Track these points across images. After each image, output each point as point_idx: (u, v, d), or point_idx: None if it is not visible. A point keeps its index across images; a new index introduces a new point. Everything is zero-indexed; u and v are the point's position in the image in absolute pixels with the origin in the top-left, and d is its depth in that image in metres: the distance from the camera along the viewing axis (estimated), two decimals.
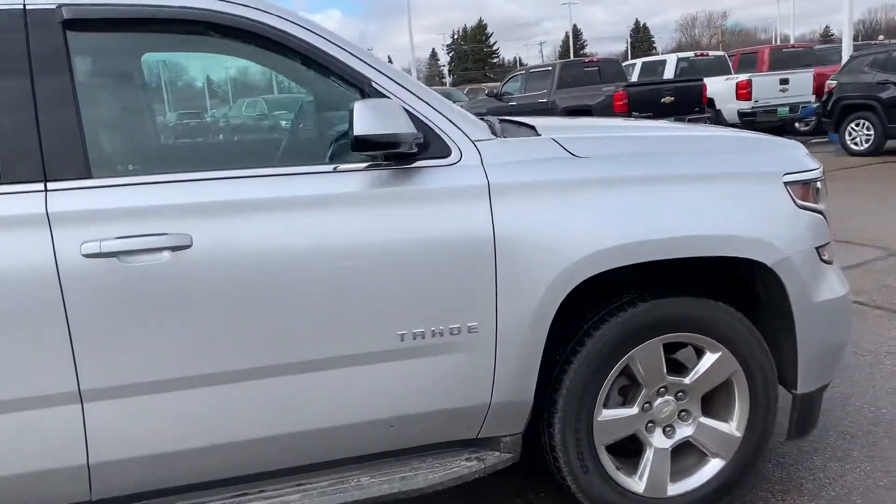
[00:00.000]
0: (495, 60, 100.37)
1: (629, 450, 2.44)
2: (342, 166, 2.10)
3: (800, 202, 2.40)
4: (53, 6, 1.97)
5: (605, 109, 12.39)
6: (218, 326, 1.98)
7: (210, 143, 2.13)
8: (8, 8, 1.95)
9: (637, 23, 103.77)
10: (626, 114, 12.23)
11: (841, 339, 2.53)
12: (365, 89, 2.13)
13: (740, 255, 2.29)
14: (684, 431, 2.44)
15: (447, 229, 2.10)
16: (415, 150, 2.10)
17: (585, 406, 2.29)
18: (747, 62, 16.24)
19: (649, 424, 2.41)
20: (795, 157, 2.49)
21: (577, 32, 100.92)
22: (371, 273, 2.06)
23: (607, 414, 2.34)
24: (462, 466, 2.28)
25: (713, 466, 2.47)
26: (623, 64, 16.50)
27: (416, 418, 2.20)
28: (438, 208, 2.11)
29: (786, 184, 2.38)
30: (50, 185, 1.90)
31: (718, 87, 14.13)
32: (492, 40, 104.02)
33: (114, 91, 2.39)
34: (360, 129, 1.92)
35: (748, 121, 13.75)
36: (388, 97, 2.12)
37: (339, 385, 2.11)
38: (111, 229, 1.90)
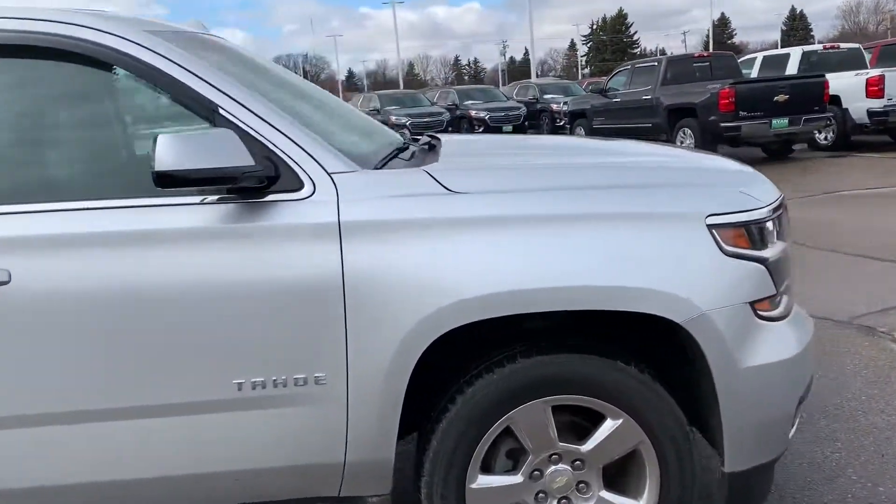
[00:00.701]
0: (635, 51, 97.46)
1: None
2: (183, 199, 1.96)
3: (729, 248, 2.03)
4: None
5: (710, 108, 11.61)
6: (36, 368, 1.90)
7: (37, 173, 2.03)
8: None
9: (793, 10, 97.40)
10: (734, 114, 11.40)
11: (782, 412, 2.13)
12: (211, 116, 1.98)
13: (641, 311, 1.97)
14: None
15: (291, 271, 1.92)
16: (263, 183, 1.93)
17: (455, 471, 2.05)
18: (889, 55, 14.71)
19: (540, 495, 2.13)
20: (731, 193, 2.12)
21: (725, 21, 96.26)
22: (205, 316, 1.92)
23: (484, 481, 2.08)
24: None
25: None
26: (741, 59, 15.43)
27: (263, 473, 2.04)
28: (283, 247, 1.93)
29: (710, 226, 2.03)
30: None
31: (846, 84, 12.85)
32: (632, 30, 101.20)
33: None
34: (163, 164, 1.77)
35: (879, 121, 12.48)
36: (237, 125, 1.96)
37: (173, 434, 1.98)
38: None
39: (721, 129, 11.54)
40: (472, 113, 21.33)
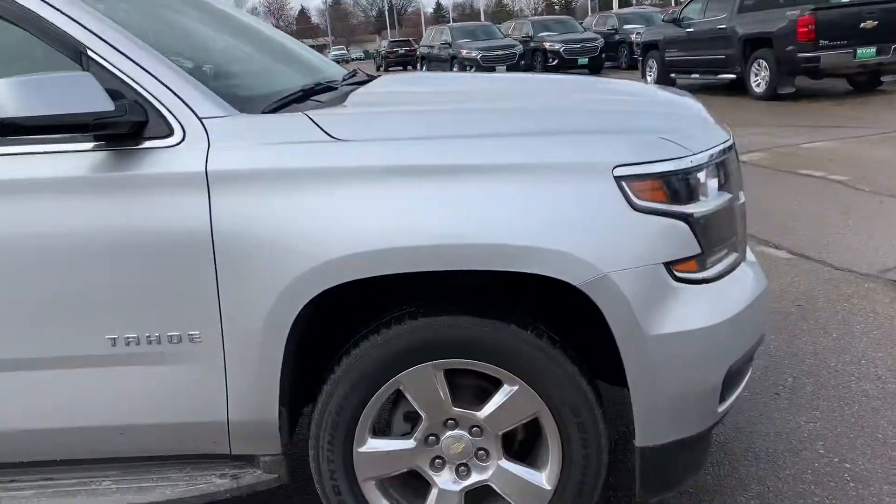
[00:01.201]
0: None
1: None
2: (56, 147, 1.87)
3: (641, 203, 1.81)
4: None
5: (787, 38, 10.77)
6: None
7: None
8: None
9: None
10: (813, 43, 10.54)
11: (705, 384, 1.92)
12: (79, 59, 1.87)
13: (530, 272, 1.79)
14: (481, 474, 2.02)
15: (159, 223, 1.83)
16: (131, 129, 1.83)
17: (340, 433, 1.95)
18: None
19: (437, 461, 2.01)
20: (649, 140, 1.88)
21: None
22: (76, 269, 1.85)
23: (373, 444, 1.98)
24: (210, 483, 2.04)
25: None
26: None
27: (147, 429, 1.99)
28: (151, 197, 1.83)
29: (618, 178, 1.81)
30: None
31: None
32: None
33: None
34: (4, 110, 1.68)
35: None
36: (106, 67, 1.85)
37: (54, 387, 1.95)
38: None
39: (798, 60, 10.72)
40: (547, 45, 20.66)
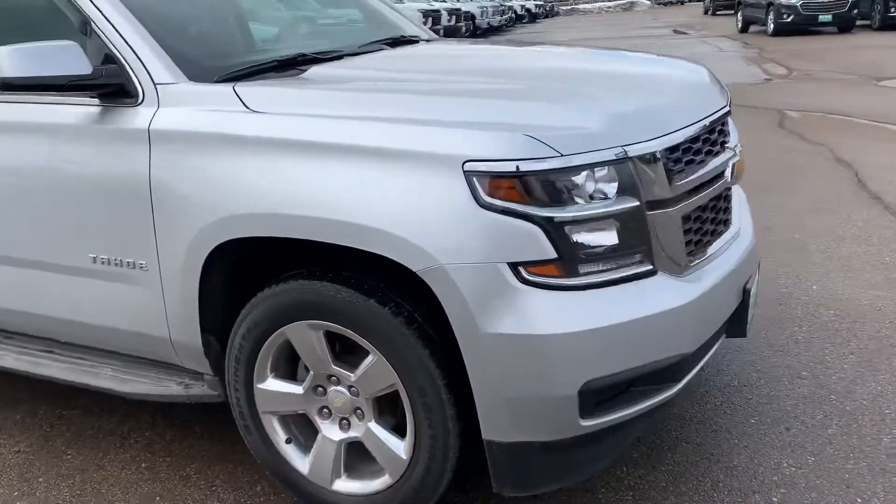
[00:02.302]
0: None
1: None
2: (69, 99, 2.34)
3: (490, 200, 1.80)
4: None
5: None
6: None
7: None
8: None
9: None
10: None
11: (552, 392, 1.86)
12: (85, 29, 2.29)
13: (378, 252, 1.88)
14: (356, 432, 2.18)
15: (117, 169, 2.23)
16: (106, 89, 2.23)
17: (243, 370, 2.24)
18: None
19: (324, 410, 2.21)
20: (510, 138, 1.82)
21: None
22: (67, 200, 2.34)
23: (270, 384, 2.23)
24: (167, 388, 2.46)
25: (381, 482, 2.16)
26: None
27: (119, 332, 2.45)
28: (113, 147, 2.24)
29: (468, 173, 1.80)
30: None
31: None
32: None
33: None
34: (8, 71, 2.14)
35: None
36: (101, 38, 2.26)
37: (56, 286, 2.48)
38: None
39: None
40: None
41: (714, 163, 2.18)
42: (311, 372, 2.18)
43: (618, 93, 2.14)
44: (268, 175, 2.01)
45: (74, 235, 2.37)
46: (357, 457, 2.22)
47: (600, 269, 1.88)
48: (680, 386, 2.09)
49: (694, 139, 2.11)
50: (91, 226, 2.32)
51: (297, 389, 2.22)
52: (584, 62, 2.83)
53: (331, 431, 2.22)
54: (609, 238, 1.88)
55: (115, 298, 2.38)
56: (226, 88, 2.16)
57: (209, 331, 2.28)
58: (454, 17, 25.06)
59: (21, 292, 2.58)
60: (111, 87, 2.23)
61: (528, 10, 42.71)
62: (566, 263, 1.83)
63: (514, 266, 1.81)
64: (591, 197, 1.86)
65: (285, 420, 2.30)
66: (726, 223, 2.37)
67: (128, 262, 2.30)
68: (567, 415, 1.90)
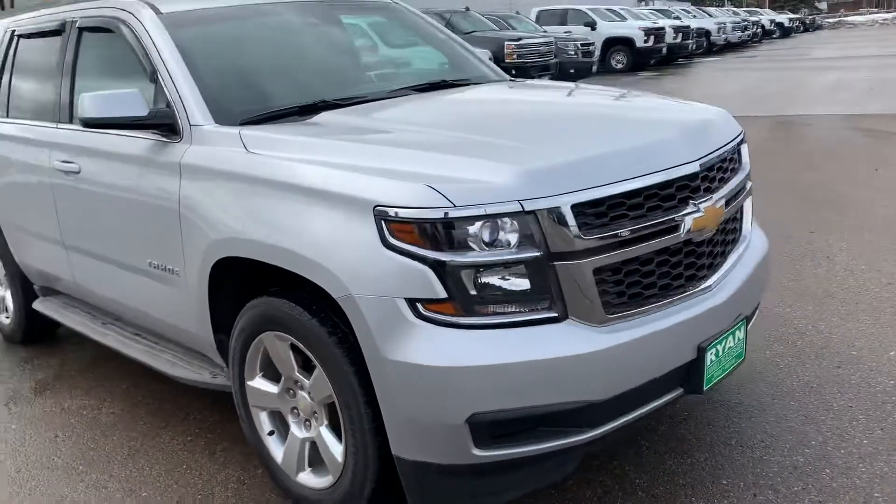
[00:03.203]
0: None
1: None
2: (140, 133, 2.90)
3: (393, 241, 2.03)
4: None
5: None
6: (88, 222, 3.20)
7: None
8: None
9: None
10: None
11: (442, 420, 2.04)
12: (154, 77, 2.85)
13: (310, 278, 2.19)
14: (312, 433, 2.48)
15: (162, 192, 2.74)
16: (159, 128, 2.76)
17: (236, 368, 2.64)
18: None
19: (294, 409, 2.55)
20: (412, 187, 2.03)
21: None
22: (132, 213, 2.91)
23: (258, 382, 2.61)
24: (203, 375, 2.94)
25: (327, 481, 2.45)
26: None
27: (162, 321, 2.99)
28: (161, 176, 2.76)
29: (377, 216, 2.05)
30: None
31: None
32: None
33: None
34: (84, 112, 2.72)
35: None
36: (164, 88, 2.80)
37: (130, 281, 3.07)
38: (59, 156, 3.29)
39: None
40: None
41: (657, 218, 2.20)
42: (283, 376, 2.53)
43: (551, 147, 2.25)
44: (243, 205, 2.41)
45: (137, 241, 2.93)
46: (321, 455, 2.53)
47: (499, 311, 2.03)
48: (595, 433, 2.16)
49: (630, 194, 2.15)
50: (147, 235, 2.86)
51: (273, 389, 2.58)
52: (568, 111, 2.98)
53: (297, 429, 2.55)
54: (507, 283, 2.03)
55: (161, 294, 2.91)
56: (235, 131, 2.59)
57: (221, 331, 2.72)
58: (681, 34, 24.40)
59: (102, 280, 3.23)
60: (163, 126, 2.75)
61: (778, 25, 40.17)
62: (460, 303, 2.01)
63: (411, 302, 2.03)
64: (492, 244, 2.01)
65: (272, 415, 2.67)
66: (694, 279, 2.35)
67: (168, 268, 2.81)
68: (459, 442, 2.06)
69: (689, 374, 2.32)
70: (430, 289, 2.01)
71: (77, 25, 3.38)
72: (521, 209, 2.01)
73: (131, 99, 2.73)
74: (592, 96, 3.35)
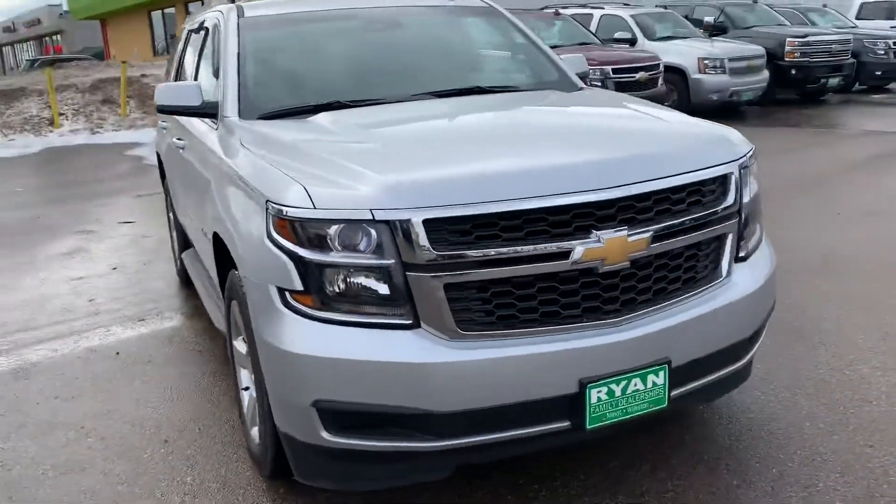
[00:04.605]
0: None
1: None
2: (205, 119, 3.42)
3: (273, 234, 2.27)
4: None
5: None
6: (188, 187, 3.83)
7: None
8: None
9: None
10: None
11: (289, 399, 2.26)
12: (217, 73, 3.34)
13: (234, 258, 2.53)
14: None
15: (206, 168, 3.25)
16: (210, 115, 3.26)
17: (227, 328, 3.06)
18: None
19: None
20: (294, 189, 2.24)
21: None
22: (200, 182, 3.46)
23: (238, 344, 3.00)
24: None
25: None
26: None
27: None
28: (205, 153, 3.26)
29: (266, 211, 2.30)
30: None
31: None
32: None
33: None
34: (158, 100, 3.29)
35: None
36: (221, 83, 3.29)
37: (200, 243, 3.64)
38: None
39: None
40: None
41: (537, 243, 2.15)
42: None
43: (431, 162, 2.34)
44: (224, 192, 2.79)
45: (203, 205, 3.46)
46: None
47: (356, 310, 2.18)
48: (444, 444, 2.21)
49: (504, 216, 2.14)
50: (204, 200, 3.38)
51: (244, 350, 2.95)
52: (531, 126, 2.95)
53: (253, 389, 2.90)
54: (366, 286, 2.17)
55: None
56: (241, 124, 2.98)
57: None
58: None
59: (194, 238, 3.86)
60: (212, 115, 3.24)
61: None
62: (318, 297, 2.20)
63: (281, 290, 2.26)
64: (349, 248, 2.16)
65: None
66: (596, 311, 2.25)
67: (203, 231, 3.31)
68: (310, 423, 2.25)
69: (573, 409, 2.24)
70: (291, 280, 2.22)
71: (204, 25, 4.02)
72: (371, 217, 2.12)
73: (190, 91, 3.25)
74: (589, 110, 3.28)
